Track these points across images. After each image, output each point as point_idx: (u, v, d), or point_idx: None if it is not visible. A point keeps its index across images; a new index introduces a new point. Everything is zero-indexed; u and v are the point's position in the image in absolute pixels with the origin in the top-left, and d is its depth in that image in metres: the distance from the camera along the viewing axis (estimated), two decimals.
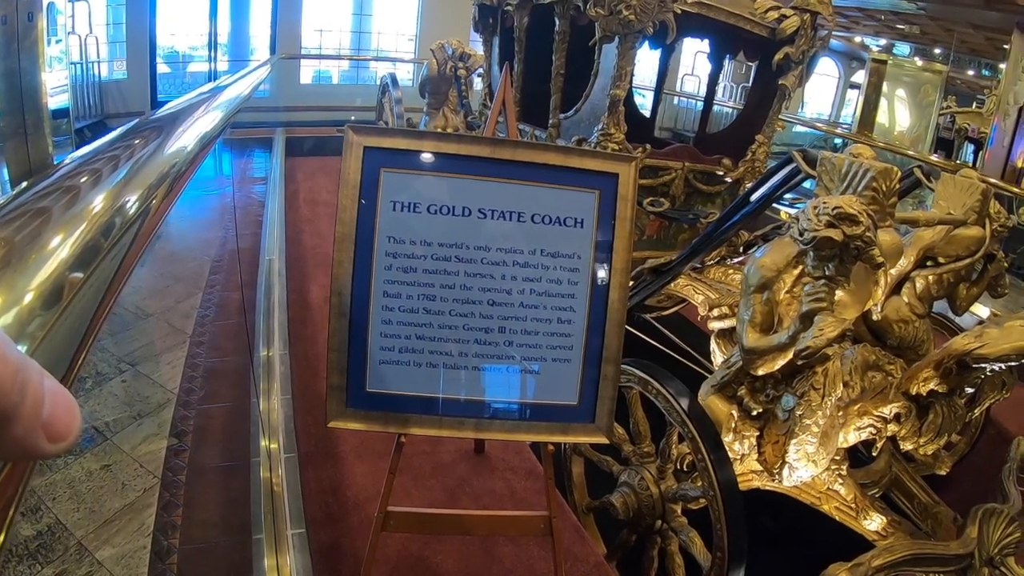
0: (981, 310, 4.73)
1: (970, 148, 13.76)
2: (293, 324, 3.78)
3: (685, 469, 2.56)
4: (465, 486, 2.78)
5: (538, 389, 1.94)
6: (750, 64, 4.28)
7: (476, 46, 5.47)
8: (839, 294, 2.14)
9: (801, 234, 2.04)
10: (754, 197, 2.76)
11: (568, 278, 1.91)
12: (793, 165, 2.56)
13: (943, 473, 3.33)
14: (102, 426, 3.18)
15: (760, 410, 2.43)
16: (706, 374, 2.73)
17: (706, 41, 4.61)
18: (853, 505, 2.64)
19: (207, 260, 5.04)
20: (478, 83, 5.46)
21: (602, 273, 1.92)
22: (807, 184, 2.68)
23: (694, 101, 13.97)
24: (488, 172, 1.89)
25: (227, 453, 3.13)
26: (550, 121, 3.88)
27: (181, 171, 1.28)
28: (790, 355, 2.18)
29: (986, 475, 3.33)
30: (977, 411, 2.69)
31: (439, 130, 5.79)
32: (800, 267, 2.22)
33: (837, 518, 2.62)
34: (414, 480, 2.75)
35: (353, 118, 8.95)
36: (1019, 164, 13.71)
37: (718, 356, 3.00)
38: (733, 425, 2.43)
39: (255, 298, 4.11)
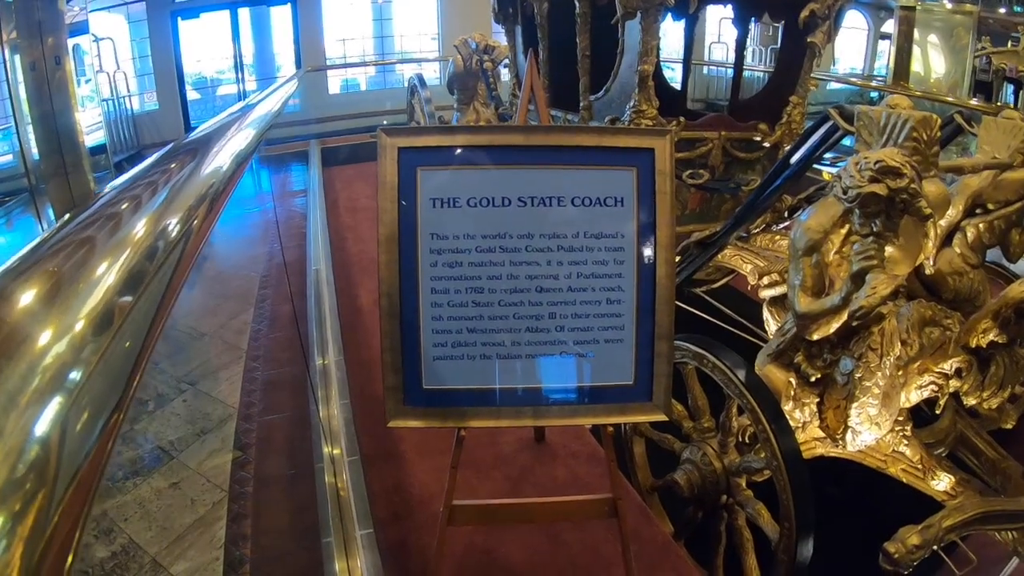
0: None
1: (1010, 88, 13.32)
2: (345, 330, 3.83)
3: (747, 441, 2.53)
4: (528, 475, 2.79)
5: (593, 372, 1.94)
6: (776, 25, 4.20)
7: (499, 38, 5.48)
8: (889, 250, 2.10)
9: (845, 192, 2.01)
10: (794, 159, 2.72)
11: (614, 258, 1.91)
12: (831, 123, 2.51)
13: (1010, 427, 3.24)
14: (167, 445, 3.26)
15: (818, 376, 2.39)
16: (761, 344, 2.70)
17: (729, 6, 4.56)
18: (920, 466, 2.58)
19: (256, 276, 5.13)
20: (505, 74, 5.46)
21: (647, 250, 1.91)
22: (847, 141, 2.63)
23: (724, 69, 13.80)
24: (524, 160, 1.90)
25: (291, 461, 3.19)
26: (581, 104, 3.87)
27: (219, 190, 1.30)
28: (844, 316, 2.14)
29: None
30: None
31: (471, 124, 5.83)
32: (847, 226, 2.18)
33: (904, 480, 2.56)
34: (477, 473, 2.77)
35: (385, 122, 9.03)
36: None
37: (772, 324, 2.96)
38: (792, 393, 2.40)
39: (306, 308, 4.18)
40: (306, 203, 6.54)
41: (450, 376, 1.91)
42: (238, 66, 12.18)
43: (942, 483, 2.53)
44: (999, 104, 13.12)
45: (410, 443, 2.94)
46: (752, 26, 5.71)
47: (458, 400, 1.93)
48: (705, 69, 13.67)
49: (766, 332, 3.02)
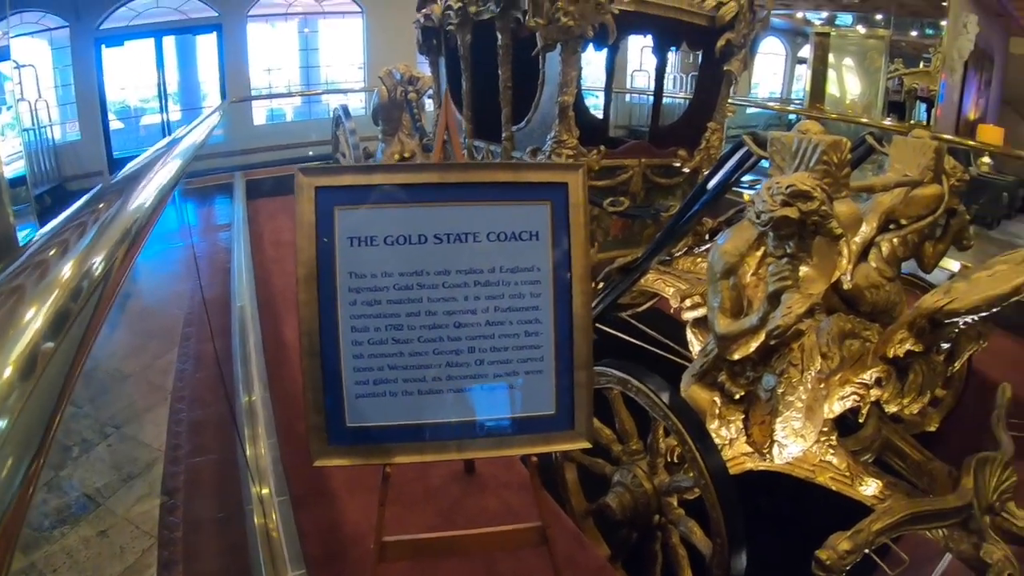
0: (952, 264, 4.78)
1: (922, 107, 13.96)
2: (271, 366, 3.75)
3: (675, 461, 2.57)
4: (459, 507, 2.77)
5: (514, 403, 1.96)
6: (697, 53, 4.32)
7: (424, 68, 5.49)
8: (803, 270, 2.17)
9: (758, 216, 2.07)
10: (711, 185, 2.79)
11: (530, 291, 1.95)
12: (745, 149, 2.59)
13: (933, 429, 3.36)
14: (94, 492, 3.16)
15: (742, 393, 2.45)
16: (688, 364, 2.74)
17: (649, 36, 4.67)
18: (847, 473, 2.66)
19: (180, 314, 5.00)
20: (430, 105, 5.47)
21: (563, 282, 1.96)
22: (766, 164, 2.71)
23: (647, 96, 14.06)
24: (440, 197, 1.93)
25: (220, 504, 3.11)
26: (503, 134, 3.89)
27: (141, 227, 1.30)
28: (763, 336, 2.20)
29: (975, 426, 3.36)
30: (957, 364, 2.71)
31: (396, 156, 5.82)
32: (762, 248, 2.25)
33: (833, 488, 2.64)
34: (408, 508, 2.73)
35: (311, 152, 8.94)
36: (971, 116, 13.96)
37: (696, 345, 3.01)
38: (717, 411, 2.45)
39: (231, 345, 4.09)
40: (230, 237, 6.42)
41: (373, 413, 1.91)
42: (162, 95, 11.92)
43: (870, 488, 2.62)
44: (912, 122, 13.76)
45: (340, 480, 2.89)
46: (672, 54, 5.84)
47: (382, 437, 1.93)
48: (628, 96, 13.93)
49: (691, 353, 3.07)
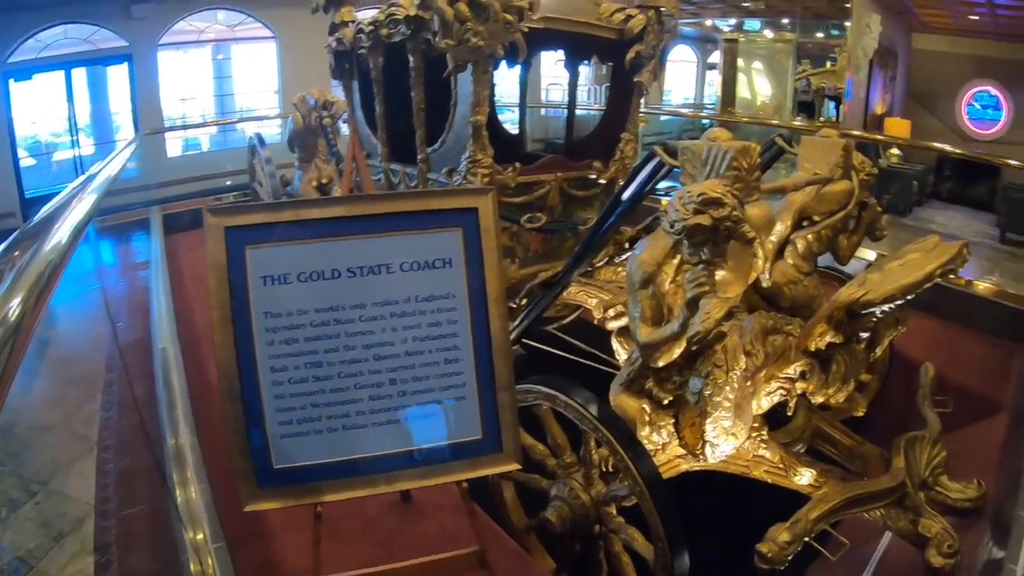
0: (868, 254, 4.93)
1: (831, 105, 14.52)
2: (198, 407, 3.63)
3: (610, 471, 2.58)
4: (397, 537, 2.73)
5: (440, 431, 1.96)
6: (608, 65, 4.39)
7: (339, 92, 5.44)
8: (720, 274, 2.21)
9: (672, 225, 2.11)
10: (625, 196, 2.83)
11: (447, 318, 1.95)
12: (656, 159, 2.63)
13: (861, 414, 3.45)
14: (26, 555, 3.01)
15: (670, 398, 2.49)
16: (616, 373, 2.77)
17: (560, 51, 4.72)
18: (781, 465, 2.70)
19: (101, 358, 4.81)
20: (345, 129, 5.42)
21: (479, 307, 1.96)
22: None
23: (562, 109, 14.23)
24: (350, 230, 1.92)
25: (155, 555, 3.00)
26: (418, 156, 3.89)
27: (55, 267, 1.27)
28: (684, 342, 2.23)
29: (901, 407, 3.47)
30: (879, 351, 2.78)
31: (313, 182, 5.76)
32: (678, 256, 2.28)
33: (769, 481, 2.68)
34: (346, 542, 2.68)
35: (229, 182, 8.73)
36: (878, 111, 14.57)
37: (621, 354, 3.04)
38: (647, 418, 2.48)
39: (155, 389, 3.94)
40: (149, 275, 6.20)
41: (299, 453, 1.89)
42: (73, 129, 11.55)
43: (805, 477, 2.66)
44: (821, 120, 14.29)
45: (276, 519, 2.81)
46: (585, 67, 5.91)
47: (311, 476, 1.90)
48: (543, 110, 14.07)
49: (618, 361, 3.10)
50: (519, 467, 2.05)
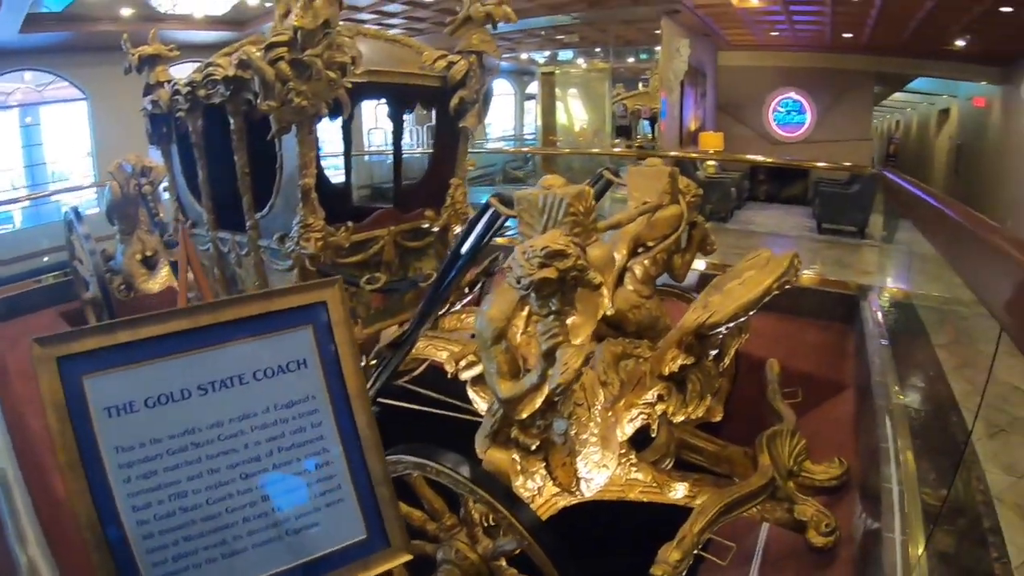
0: (699, 264, 5.18)
1: (645, 125, 15.45)
2: (48, 526, 3.26)
3: (493, 524, 2.55)
4: None
5: (324, 538, 1.83)
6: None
7: (157, 156, 5.15)
8: (570, 320, 2.24)
9: (518, 281, 2.11)
10: (463, 249, 2.82)
11: (310, 422, 1.83)
12: (492, 210, 2.64)
13: (719, 419, 3.62)
14: None
15: (538, 443, 2.48)
16: (477, 419, 2.76)
17: (382, 99, 4.68)
18: (654, 484, 2.80)
19: None
20: (166, 196, 5.08)
21: (341, 405, 1.87)
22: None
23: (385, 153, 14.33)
24: (195, 344, 1.76)
25: None
26: (247, 223, 3.69)
27: None
28: (546, 391, 2.24)
29: (753, 403, 3.65)
30: (727, 361, 2.93)
31: (137, 256, 5.40)
32: (527, 307, 2.30)
33: (646, 500, 2.76)
34: None
35: (46, 260, 8.01)
36: (692, 127, 15.55)
37: (478, 402, 3.03)
38: (518, 468, 2.47)
39: None
40: None
41: None
42: None
43: (679, 491, 2.77)
44: (638, 137, 15.13)
45: None
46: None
47: None
48: (366, 156, 14.03)
49: (475, 406, 3.09)
50: (410, 558, 1.97)
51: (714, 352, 2.72)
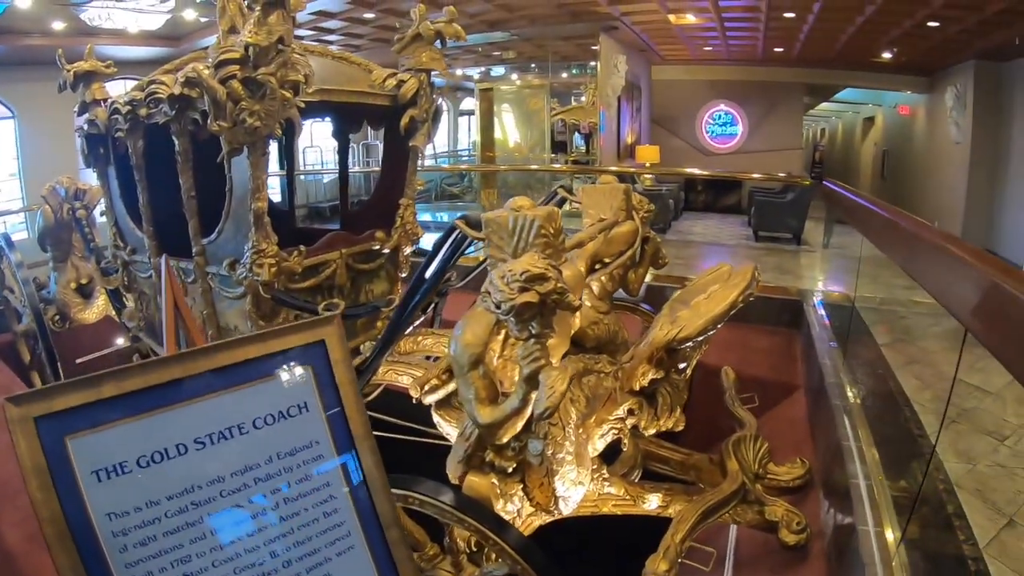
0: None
1: (578, 139, 15.75)
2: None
3: (475, 550, 2.51)
4: None
5: None
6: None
7: (86, 176, 4.94)
8: (549, 342, 2.22)
9: (498, 306, 2.07)
10: (428, 274, 2.77)
11: (315, 469, 1.71)
12: (458, 233, 2.59)
13: (681, 428, 3.64)
14: None
15: (514, 465, 2.45)
16: (442, 442, 2.70)
17: (326, 119, 4.57)
18: (628, 497, 2.82)
19: None
20: (101, 220, 4.84)
21: (345, 447, 1.76)
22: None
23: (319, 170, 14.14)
24: (188, 393, 1.60)
25: None
26: (194, 249, 3.51)
27: None
28: (527, 414, 2.21)
29: (710, 409, 3.69)
30: (689, 371, 2.96)
31: (72, 284, 5.15)
32: (503, 331, 2.26)
33: (620, 513, 2.78)
34: None
35: None
36: (629, 140, 15.80)
37: (443, 426, 2.98)
38: (498, 491, 2.43)
39: None
40: None
41: None
42: None
43: (652, 502, 2.80)
44: (572, 152, 15.39)
45: None
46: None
47: None
48: (301, 176, 13.90)
49: (439, 429, 3.03)
50: None
51: (682, 365, 2.73)
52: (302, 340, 1.76)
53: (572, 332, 2.80)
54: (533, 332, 2.10)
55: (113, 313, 5.17)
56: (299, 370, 1.74)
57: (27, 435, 1.44)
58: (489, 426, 2.27)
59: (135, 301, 4.52)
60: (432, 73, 3.82)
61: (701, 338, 2.55)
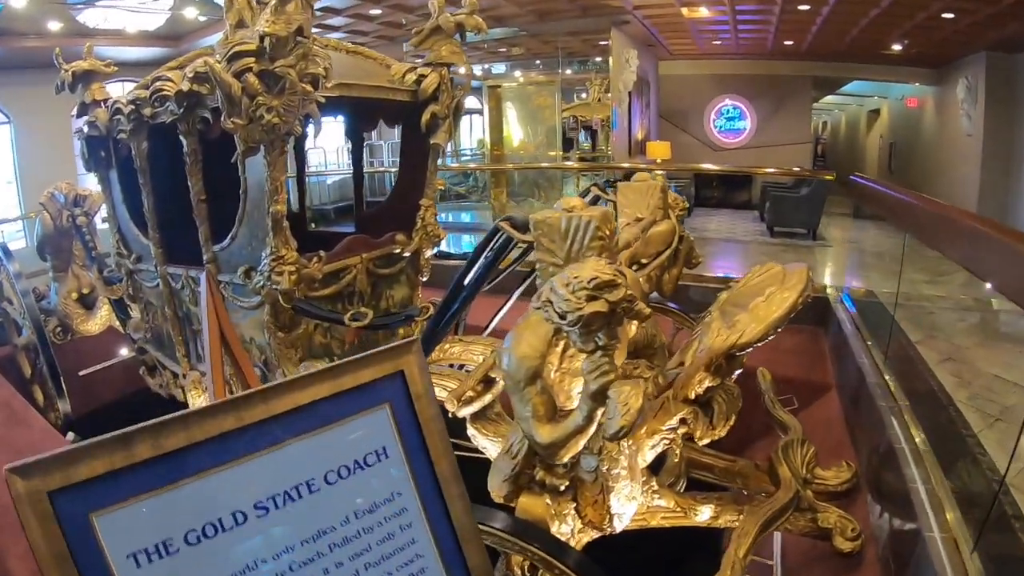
0: None
1: (583, 136, 15.68)
2: None
3: (530, 574, 2.33)
4: None
5: None
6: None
7: (85, 182, 4.75)
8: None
9: (563, 317, 1.87)
10: (468, 281, 2.59)
11: (399, 524, 1.42)
12: (502, 234, 2.42)
13: (723, 435, 3.49)
14: None
15: (566, 483, 2.27)
16: (474, 454, 2.53)
17: (340, 118, 4.38)
18: (678, 509, 2.68)
19: None
20: (103, 227, 4.64)
21: (431, 495, 1.47)
22: None
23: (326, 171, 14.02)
24: (246, 447, 1.26)
25: None
26: (204, 257, 3.32)
27: None
28: (591, 433, 2.02)
29: (745, 413, 3.54)
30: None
31: (74, 295, 4.94)
32: (563, 341, 2.07)
33: (668, 525, 2.66)
34: None
35: None
36: (639, 136, 15.67)
37: (479, 439, 2.81)
38: (552, 512, 2.24)
39: None
40: None
41: None
42: None
43: (704, 513, 2.69)
44: (578, 149, 15.33)
45: None
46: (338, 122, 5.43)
47: None
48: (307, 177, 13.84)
49: (472, 441, 2.86)
50: None
51: (738, 372, 2.56)
52: (378, 373, 1.45)
53: (628, 340, 2.63)
54: (599, 344, 1.90)
55: (117, 324, 5.02)
56: (376, 409, 1.43)
57: (41, 516, 1.07)
58: (551, 446, 2.07)
59: (141, 311, 4.35)
60: (452, 67, 3.63)
61: (761, 343, 2.39)
